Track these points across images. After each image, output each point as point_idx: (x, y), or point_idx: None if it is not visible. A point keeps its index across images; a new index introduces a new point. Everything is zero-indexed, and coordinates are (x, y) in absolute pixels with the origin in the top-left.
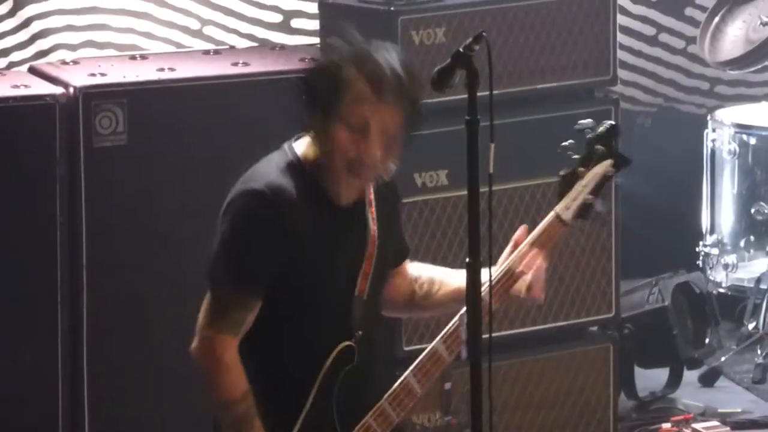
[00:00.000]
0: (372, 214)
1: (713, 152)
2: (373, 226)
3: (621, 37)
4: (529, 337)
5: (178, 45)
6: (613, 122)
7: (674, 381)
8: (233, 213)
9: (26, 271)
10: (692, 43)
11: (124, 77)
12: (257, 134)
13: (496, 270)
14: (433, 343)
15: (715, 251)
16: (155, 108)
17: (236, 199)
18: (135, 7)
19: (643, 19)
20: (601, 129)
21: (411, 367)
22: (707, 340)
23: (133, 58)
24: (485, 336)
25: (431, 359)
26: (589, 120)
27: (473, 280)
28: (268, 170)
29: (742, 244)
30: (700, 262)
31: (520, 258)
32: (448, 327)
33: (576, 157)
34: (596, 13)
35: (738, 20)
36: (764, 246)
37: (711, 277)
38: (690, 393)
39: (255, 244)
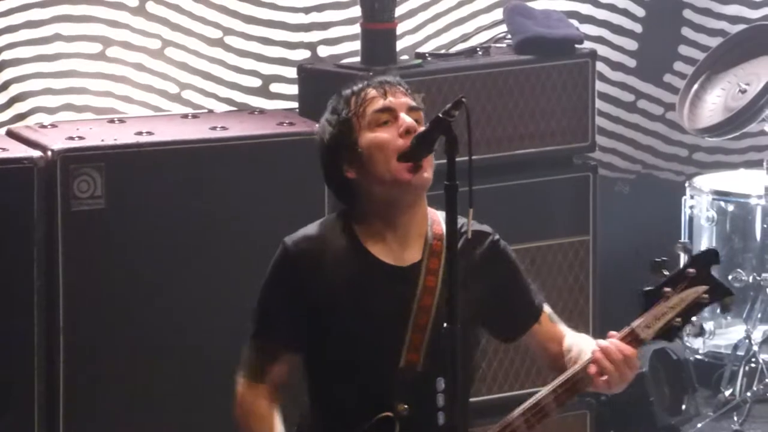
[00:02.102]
0: (429, 283)
1: (691, 219)
2: (427, 296)
3: (599, 104)
4: (506, 402)
5: (157, 109)
6: (713, 249)
7: None
8: (270, 263)
9: (3, 335)
10: (671, 110)
11: (103, 141)
12: (235, 198)
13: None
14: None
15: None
16: (133, 172)
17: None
18: (113, 71)
19: (622, 86)
20: (698, 253)
21: None
22: (684, 407)
23: (111, 121)
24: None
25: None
26: (687, 241)
27: (451, 344)
28: (315, 224)
29: (719, 310)
30: None
31: (583, 368)
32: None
33: (666, 274)
34: (575, 79)
35: (717, 88)
36: (741, 313)
37: (688, 344)
38: None
39: (273, 296)
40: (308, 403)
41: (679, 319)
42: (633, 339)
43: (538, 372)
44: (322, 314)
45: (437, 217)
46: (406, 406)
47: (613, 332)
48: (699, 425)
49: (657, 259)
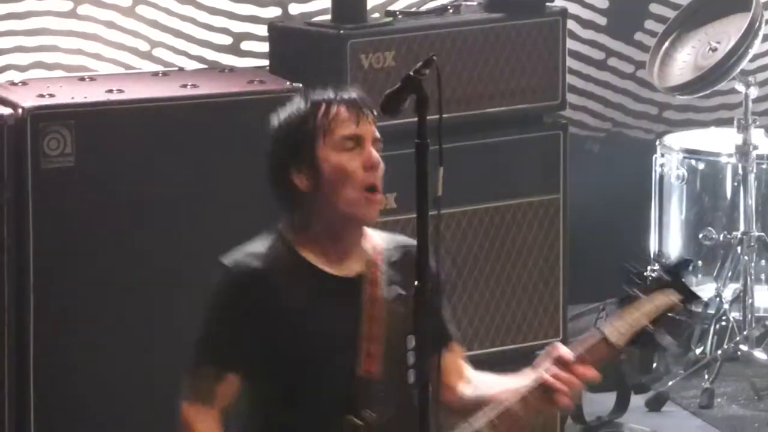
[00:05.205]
0: (374, 293)
1: (661, 177)
2: (375, 306)
3: (570, 62)
4: (475, 360)
5: (127, 66)
6: (687, 258)
7: (621, 406)
8: (213, 286)
9: None
10: (641, 68)
11: (73, 98)
12: (205, 156)
13: (529, 382)
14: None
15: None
16: (103, 129)
17: (219, 271)
18: (84, 28)
19: (593, 44)
20: (671, 261)
21: None
22: (654, 365)
23: (81, 79)
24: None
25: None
26: (661, 251)
27: (420, 303)
28: (254, 243)
29: (689, 269)
30: None
31: (556, 376)
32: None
33: (637, 280)
34: (545, 37)
35: (687, 46)
36: (712, 271)
37: None
38: (637, 418)
39: (225, 321)
40: (255, 427)
41: (652, 326)
42: (605, 346)
43: (507, 329)
44: (278, 334)
45: (365, 230)
46: (370, 413)
47: (572, 350)
48: (669, 383)
49: (630, 267)
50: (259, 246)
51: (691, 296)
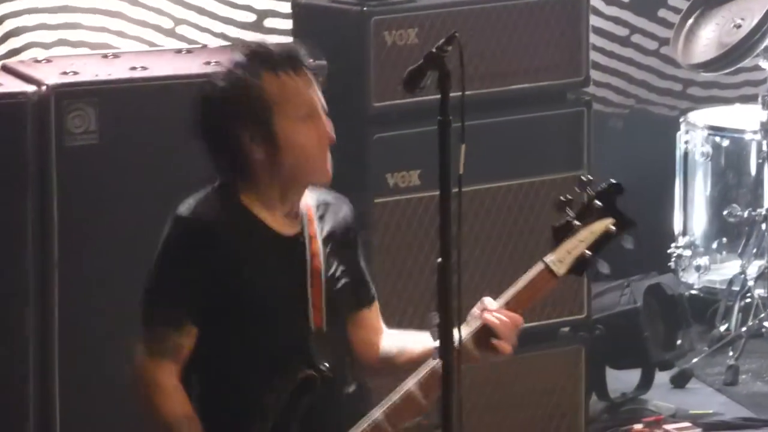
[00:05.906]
0: (314, 248)
1: (686, 154)
2: (315, 260)
3: (593, 38)
4: None
5: (151, 44)
6: (614, 181)
7: (646, 382)
8: (162, 238)
9: None
10: (665, 45)
11: (97, 76)
12: None
13: (470, 325)
14: (408, 385)
15: (687, 253)
16: (127, 107)
17: (168, 224)
18: (108, 5)
19: (616, 20)
20: (602, 185)
21: (381, 405)
22: (679, 342)
23: (105, 56)
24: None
25: (405, 401)
26: (589, 177)
27: (444, 280)
28: (202, 196)
29: (714, 246)
30: (672, 264)
31: (498, 316)
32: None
33: (571, 211)
34: (569, 14)
35: (711, 23)
36: (736, 248)
37: (683, 279)
38: (661, 394)
39: (175, 270)
40: (200, 384)
41: (589, 252)
42: (549, 274)
43: (532, 306)
44: (231, 287)
45: None
46: (327, 365)
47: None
48: (694, 360)
49: (562, 198)
50: (208, 198)
51: (624, 220)
